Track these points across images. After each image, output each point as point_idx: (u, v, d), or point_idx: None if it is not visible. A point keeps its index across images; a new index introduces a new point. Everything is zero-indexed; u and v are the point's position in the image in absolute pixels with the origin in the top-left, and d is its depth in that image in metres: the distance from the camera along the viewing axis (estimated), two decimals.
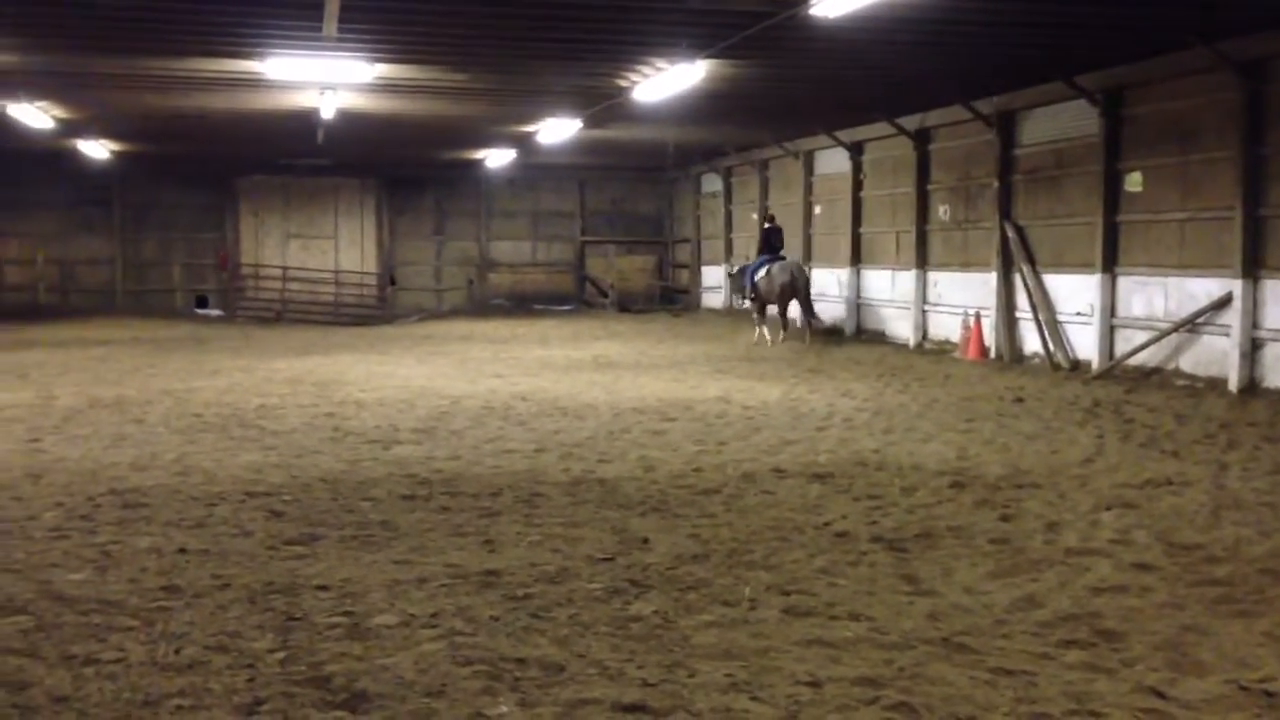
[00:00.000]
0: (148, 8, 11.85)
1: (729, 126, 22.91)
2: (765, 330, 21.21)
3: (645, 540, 6.79)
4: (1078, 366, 16.26)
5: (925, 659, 4.80)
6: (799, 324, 21.40)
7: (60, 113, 20.03)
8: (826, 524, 7.24)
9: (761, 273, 21.08)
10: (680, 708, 4.27)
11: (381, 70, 15.13)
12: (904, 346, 20.42)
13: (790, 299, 20.77)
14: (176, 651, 4.87)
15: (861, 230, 22.96)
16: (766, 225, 22.45)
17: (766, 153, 26.84)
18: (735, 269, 24.57)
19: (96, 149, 25.65)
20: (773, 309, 21.18)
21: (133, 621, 5.26)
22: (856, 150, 22.87)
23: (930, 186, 20.46)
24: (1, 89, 16.72)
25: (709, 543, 6.74)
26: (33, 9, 12.00)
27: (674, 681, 4.53)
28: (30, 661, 4.74)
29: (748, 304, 22.12)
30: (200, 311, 30.93)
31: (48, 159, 27.32)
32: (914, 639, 5.05)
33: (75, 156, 26.49)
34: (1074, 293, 16.52)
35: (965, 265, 19.40)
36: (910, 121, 20.34)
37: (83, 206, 30.50)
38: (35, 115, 19.29)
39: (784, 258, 21.50)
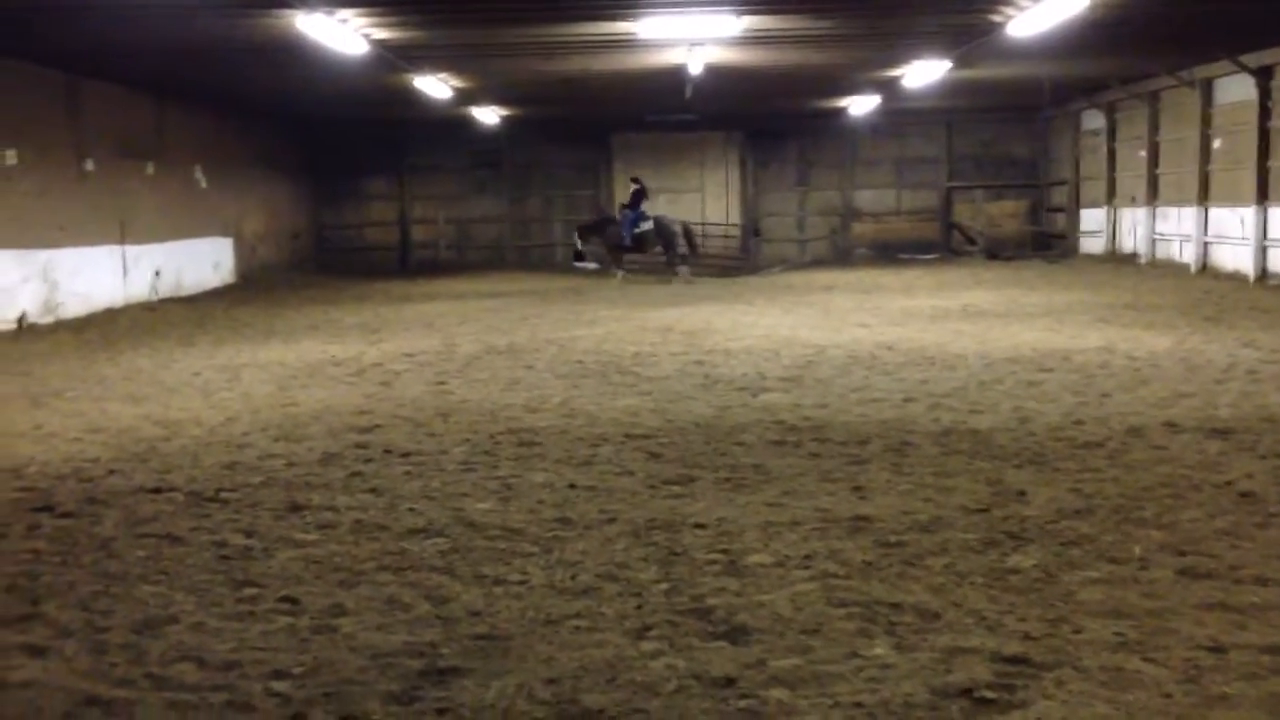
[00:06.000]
0: None
1: (1114, 58, 21.30)
2: (620, 270, 25.84)
3: (1022, 493, 6.57)
4: None
5: None
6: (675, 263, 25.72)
7: (457, 82, 21.79)
8: (1228, 483, 6.69)
9: (646, 224, 25.22)
10: (1066, 663, 4.14)
11: (748, 22, 15.30)
12: None
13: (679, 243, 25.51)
14: (572, 578, 5.27)
15: (1271, 164, 20.71)
16: (635, 186, 26.06)
17: (1156, 84, 24.75)
18: (584, 219, 27.86)
19: (488, 115, 27.70)
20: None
21: (533, 548, 5.74)
22: (1264, 75, 20.60)
23: None
24: (409, 63, 18.40)
25: (1092, 498, 6.43)
26: None
27: (1058, 636, 4.39)
28: (449, 579, 5.30)
29: (583, 247, 26.60)
30: (577, 265, 32.76)
31: (447, 126, 29.82)
32: None
33: (470, 123, 28.74)
34: None
35: None
36: None
37: (477, 169, 33.12)
38: (437, 86, 21.11)
39: (646, 214, 25.54)
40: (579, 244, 26.32)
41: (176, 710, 3.96)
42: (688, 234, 25.97)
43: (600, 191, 33.19)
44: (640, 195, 25.89)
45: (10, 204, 17.34)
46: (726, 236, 32.83)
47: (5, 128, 17.26)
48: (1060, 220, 31.93)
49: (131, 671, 4.29)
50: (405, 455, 7.96)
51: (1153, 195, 25.93)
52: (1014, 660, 4.18)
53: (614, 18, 14.98)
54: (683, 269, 25.18)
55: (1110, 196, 28.40)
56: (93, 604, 5.05)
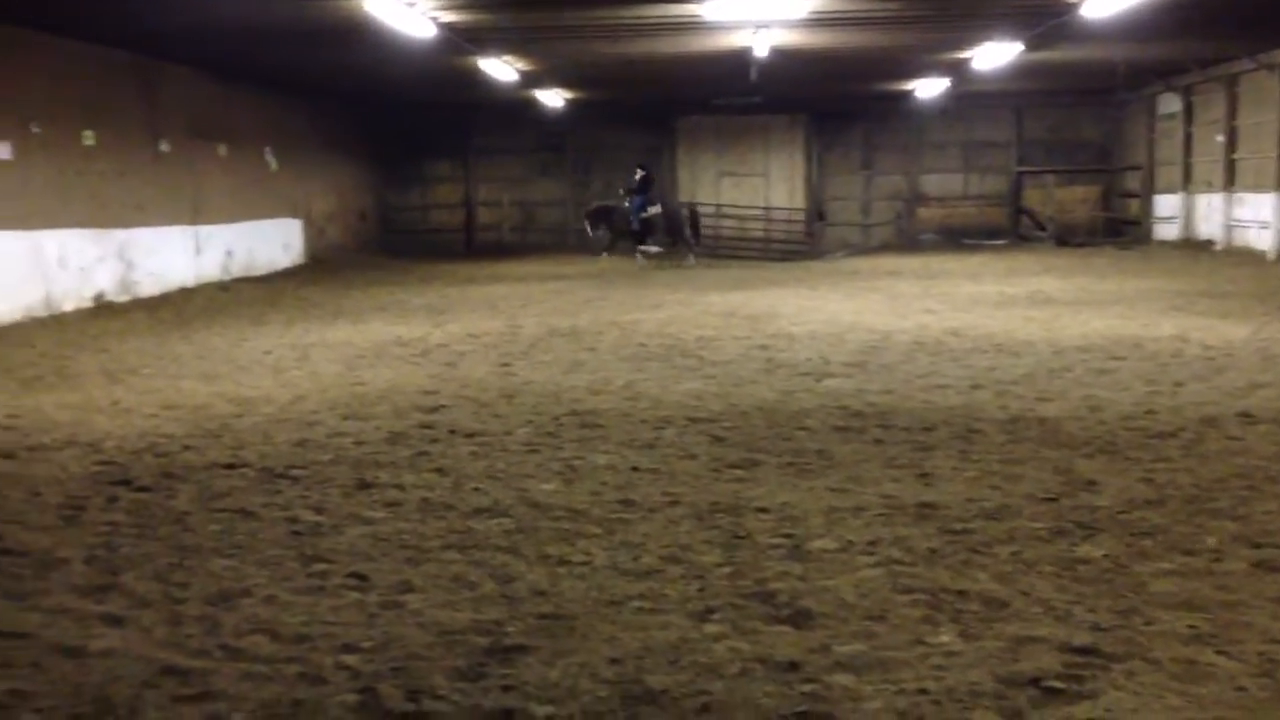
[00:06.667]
0: None
1: (1192, 40, 20.80)
2: (642, 252, 25.89)
3: (1092, 482, 6.47)
4: None
5: None
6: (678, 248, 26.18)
7: (523, 65, 21.87)
8: None
9: (654, 209, 25.37)
10: (1136, 655, 4.08)
11: (815, 3, 15.17)
12: None
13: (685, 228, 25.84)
14: (635, 559, 5.29)
15: None
16: (642, 173, 26.12)
17: (1235, 67, 24.13)
18: (593, 206, 27.09)
19: (553, 97, 27.76)
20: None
21: (596, 529, 5.77)
22: None
23: None
24: (475, 45, 18.50)
25: (1164, 488, 6.32)
26: None
27: (1128, 628, 4.33)
28: (513, 558, 5.35)
29: (593, 233, 26.13)
30: (640, 248, 32.74)
31: (512, 109, 29.93)
32: None
33: (535, 106, 28.82)
34: None
35: None
36: None
37: (541, 152, 33.18)
38: (503, 69, 21.20)
39: (654, 200, 25.73)
40: (589, 230, 26.29)
41: (250, 680, 4.05)
42: (693, 219, 26.18)
43: (664, 174, 33.11)
44: (648, 181, 26.00)
45: (88, 184, 17.74)
46: (790, 221, 32.61)
47: (83, 110, 17.65)
48: (1133, 206, 31.30)
49: (207, 642, 4.40)
50: (470, 435, 8.03)
51: (1230, 181, 25.32)
52: (1083, 651, 4.13)
53: (680, 0, 14.93)
54: (690, 255, 25.62)
55: (1186, 182, 27.78)
56: (169, 576, 5.17)
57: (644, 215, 25.62)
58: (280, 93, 25.29)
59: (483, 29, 17.08)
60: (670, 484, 6.63)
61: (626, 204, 25.90)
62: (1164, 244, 28.13)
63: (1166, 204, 29.17)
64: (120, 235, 18.54)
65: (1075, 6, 15.53)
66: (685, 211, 26.14)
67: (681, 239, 25.86)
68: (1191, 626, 4.32)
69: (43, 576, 5.19)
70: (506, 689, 3.95)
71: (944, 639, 4.28)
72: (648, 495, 6.38)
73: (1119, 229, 31.38)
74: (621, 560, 5.27)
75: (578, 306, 17.16)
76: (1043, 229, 31.15)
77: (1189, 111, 27.50)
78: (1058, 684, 3.87)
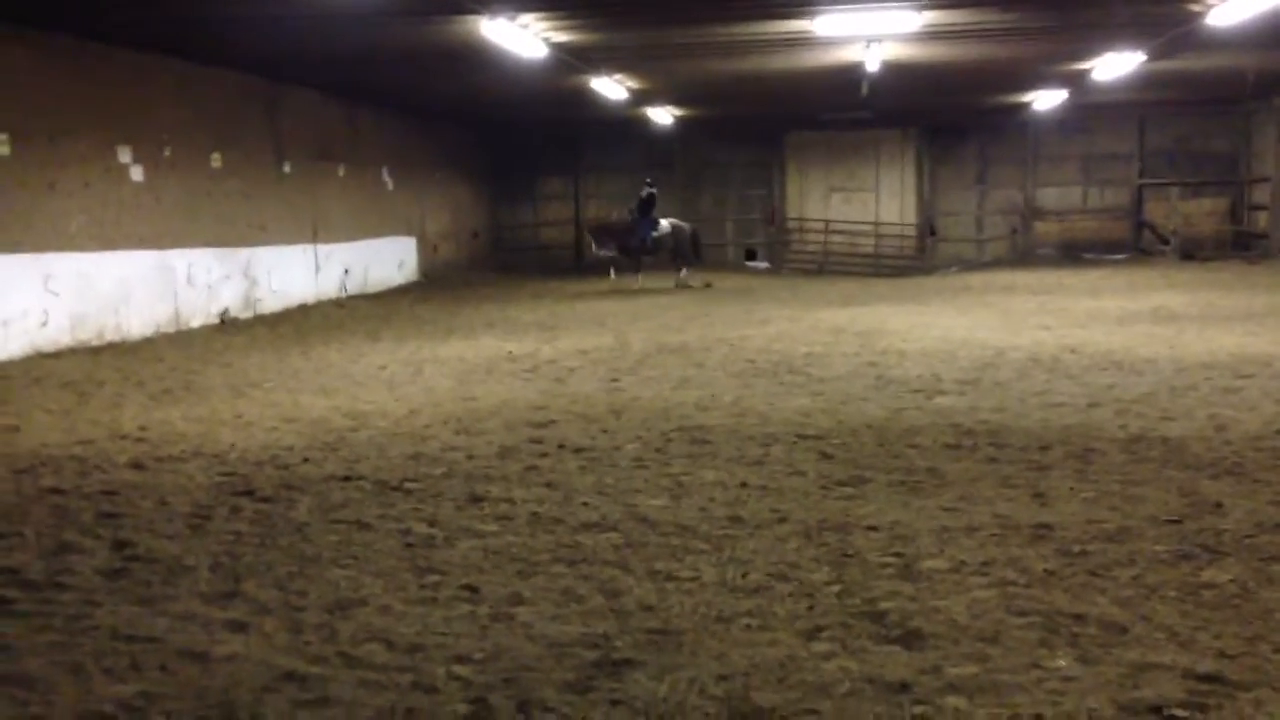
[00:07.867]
0: None
1: None
2: (638, 276, 25.26)
3: (1218, 504, 6.25)
4: None
5: None
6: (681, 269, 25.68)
7: (633, 83, 22.04)
8: None
9: (664, 227, 25.22)
10: (1264, 683, 3.93)
11: (929, 17, 14.98)
12: None
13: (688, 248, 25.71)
14: (743, 576, 5.28)
15: None
16: (648, 191, 25.80)
17: None
18: (608, 222, 27.07)
19: (662, 115, 27.91)
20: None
21: (704, 546, 5.77)
22: None
23: None
24: (586, 65, 18.72)
25: None
26: None
27: (1256, 655, 4.17)
28: (621, 573, 5.38)
29: (602, 253, 25.86)
30: (749, 264, 32.68)
31: (622, 127, 30.16)
32: None
33: (644, 123, 29.00)
34: None
35: None
36: None
37: (649, 169, 33.30)
38: (613, 87, 21.40)
39: (657, 220, 25.38)
40: (593, 247, 26.16)
41: (366, 688, 4.15)
42: (694, 239, 26.28)
43: (774, 190, 33.02)
44: (652, 200, 25.86)
45: (215, 205, 18.42)
46: (901, 236, 32.21)
47: (212, 132, 18.35)
48: (1262, 219, 30.11)
49: (324, 649, 4.52)
50: (579, 450, 8.11)
51: None
52: (1208, 678, 4.00)
53: (791, 15, 14.90)
54: (684, 272, 25.41)
55: None
56: (289, 584, 5.33)
57: (654, 234, 25.54)
58: (397, 114, 25.94)
59: (594, 48, 17.29)
60: (778, 501, 6.60)
61: (632, 221, 25.78)
62: None
63: None
64: (244, 254, 19.20)
65: (1200, 15, 15.05)
66: (688, 231, 26.05)
67: (684, 258, 25.73)
68: None
69: (171, 583, 5.40)
70: (615, 703, 3.97)
71: (1061, 663, 4.18)
72: (756, 512, 6.36)
73: (1247, 243, 30.23)
74: (730, 577, 5.26)
75: (685, 322, 17.20)
76: (1166, 243, 30.20)
77: None
78: (1181, 712, 3.75)
